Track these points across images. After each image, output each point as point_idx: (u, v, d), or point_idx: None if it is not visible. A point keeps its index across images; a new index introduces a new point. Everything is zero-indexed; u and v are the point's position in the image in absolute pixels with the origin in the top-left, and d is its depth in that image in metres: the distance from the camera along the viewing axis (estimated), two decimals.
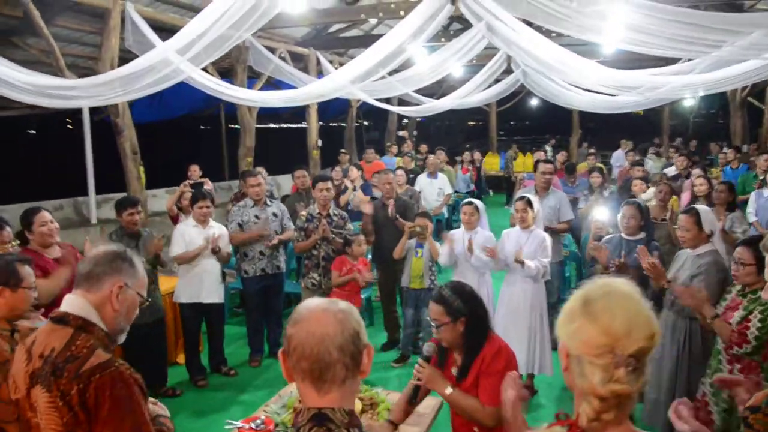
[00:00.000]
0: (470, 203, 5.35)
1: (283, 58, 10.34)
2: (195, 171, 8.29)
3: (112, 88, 5.00)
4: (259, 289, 5.81)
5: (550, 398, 5.16)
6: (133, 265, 2.05)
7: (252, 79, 10.42)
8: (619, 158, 14.19)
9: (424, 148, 13.17)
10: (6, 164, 19.55)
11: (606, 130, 22.07)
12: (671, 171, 10.23)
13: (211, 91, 6.35)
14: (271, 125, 26.68)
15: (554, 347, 6.00)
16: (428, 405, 3.41)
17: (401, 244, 5.63)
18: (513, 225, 5.24)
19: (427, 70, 9.61)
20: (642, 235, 4.49)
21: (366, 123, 24.63)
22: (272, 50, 9.97)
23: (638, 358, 1.35)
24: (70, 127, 8.58)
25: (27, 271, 2.66)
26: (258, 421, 3.04)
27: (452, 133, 31.27)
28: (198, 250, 5.28)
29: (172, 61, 4.89)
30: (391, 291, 6.22)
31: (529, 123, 35.79)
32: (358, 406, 3.20)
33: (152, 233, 5.20)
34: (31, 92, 4.61)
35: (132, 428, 1.82)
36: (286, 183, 12.52)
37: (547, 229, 5.36)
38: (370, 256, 6.99)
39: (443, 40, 9.76)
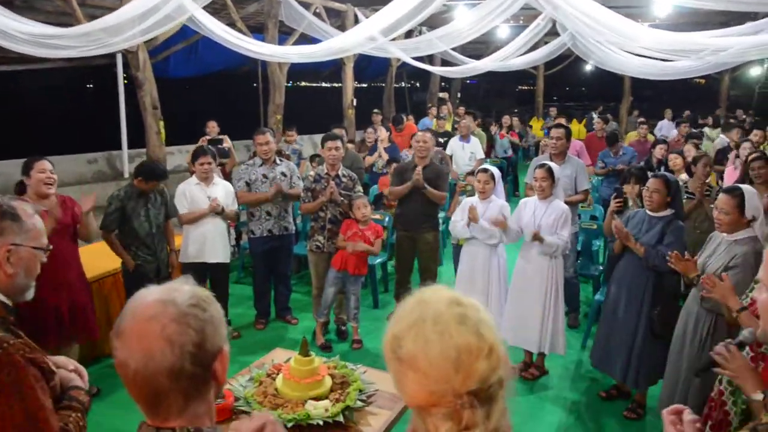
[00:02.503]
0: (485, 170, 5.01)
1: (318, 14, 10.01)
2: (213, 127, 7.99)
3: (113, 34, 4.79)
4: (266, 251, 5.63)
5: (562, 378, 4.87)
6: (16, 218, 1.78)
7: (286, 35, 10.14)
8: (664, 128, 13.40)
9: (461, 110, 12.68)
10: (55, 117, 19.97)
11: (661, 99, 21.02)
12: (720, 144, 9.60)
13: (224, 41, 6.08)
14: (311, 84, 26.50)
15: (570, 325, 5.70)
16: None
17: (454, 203, 5.37)
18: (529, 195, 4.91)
19: (466, 26, 9.18)
20: (668, 212, 4.07)
21: (413, 84, 24.20)
22: (307, 6, 9.65)
23: (482, 389, 1.04)
24: (126, 81, 8.49)
25: None
26: None
27: (502, 97, 30.42)
28: (200, 213, 5.15)
29: None
30: (408, 259, 5.88)
31: (585, 89, 34.62)
32: (327, 383, 2.97)
33: (165, 191, 5.06)
34: (28, 42, 4.42)
35: (25, 415, 1.62)
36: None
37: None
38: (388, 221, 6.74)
39: None
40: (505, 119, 12.82)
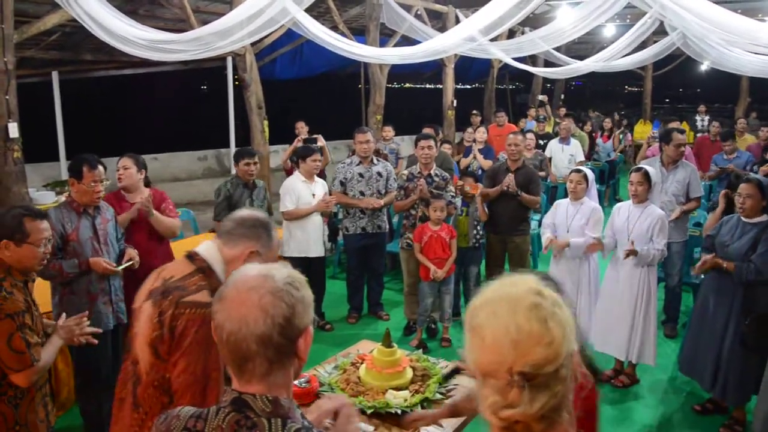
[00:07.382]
0: (578, 171, 4.94)
1: (419, 16, 10.14)
2: (302, 127, 8.11)
3: (222, 37, 5.11)
4: (359, 248, 5.80)
5: (655, 388, 4.70)
6: (271, 236, 2.11)
7: (387, 37, 10.34)
8: None
9: (562, 111, 12.40)
10: (170, 117, 21.24)
11: None
12: None
13: (324, 43, 6.32)
14: (415, 86, 26.60)
15: (667, 335, 5.49)
16: None
17: None
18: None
19: (569, 25, 9.01)
20: (764, 217, 3.88)
21: (518, 86, 23.92)
22: (408, 8, 9.81)
23: (534, 374, 1.09)
24: (237, 83, 8.95)
25: (36, 226, 2.64)
26: (302, 380, 3.00)
27: (609, 99, 29.39)
28: (308, 210, 5.38)
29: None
30: (499, 263, 5.85)
31: (700, 90, 32.84)
32: (408, 374, 3.06)
33: (265, 186, 5.35)
34: (147, 48, 4.80)
35: (203, 369, 1.90)
36: None
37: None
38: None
39: None
40: (606, 122, 12.33)
